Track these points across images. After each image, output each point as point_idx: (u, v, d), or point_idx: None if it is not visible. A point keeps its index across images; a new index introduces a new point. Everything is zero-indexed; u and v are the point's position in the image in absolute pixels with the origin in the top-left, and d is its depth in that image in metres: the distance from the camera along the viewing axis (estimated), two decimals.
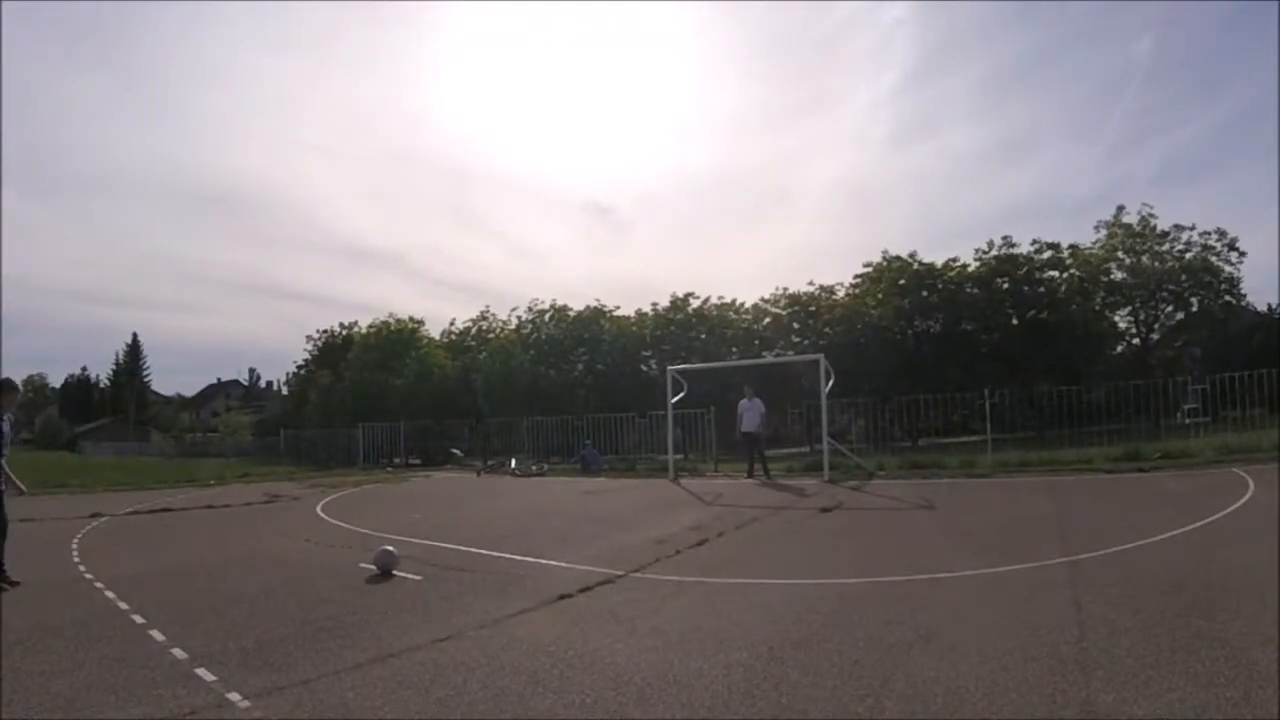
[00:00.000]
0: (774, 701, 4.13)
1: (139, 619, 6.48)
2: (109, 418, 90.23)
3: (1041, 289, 39.63)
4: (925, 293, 39.92)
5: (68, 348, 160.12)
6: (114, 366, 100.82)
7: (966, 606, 5.93)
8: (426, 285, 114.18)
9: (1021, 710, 3.85)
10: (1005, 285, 39.84)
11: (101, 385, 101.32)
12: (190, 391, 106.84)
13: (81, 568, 9.19)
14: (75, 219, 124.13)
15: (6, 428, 8.37)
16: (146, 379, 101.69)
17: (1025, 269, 39.78)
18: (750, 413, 18.65)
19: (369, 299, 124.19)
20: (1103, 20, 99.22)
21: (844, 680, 4.38)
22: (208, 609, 6.83)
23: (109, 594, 7.60)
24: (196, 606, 6.95)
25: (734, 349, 40.00)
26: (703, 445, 23.37)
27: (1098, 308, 40.56)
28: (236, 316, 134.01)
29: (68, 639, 5.91)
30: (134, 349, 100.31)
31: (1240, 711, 3.67)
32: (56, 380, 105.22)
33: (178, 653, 5.41)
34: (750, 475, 18.12)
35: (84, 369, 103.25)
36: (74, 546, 10.80)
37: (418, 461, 32.28)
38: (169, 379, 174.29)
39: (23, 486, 8.88)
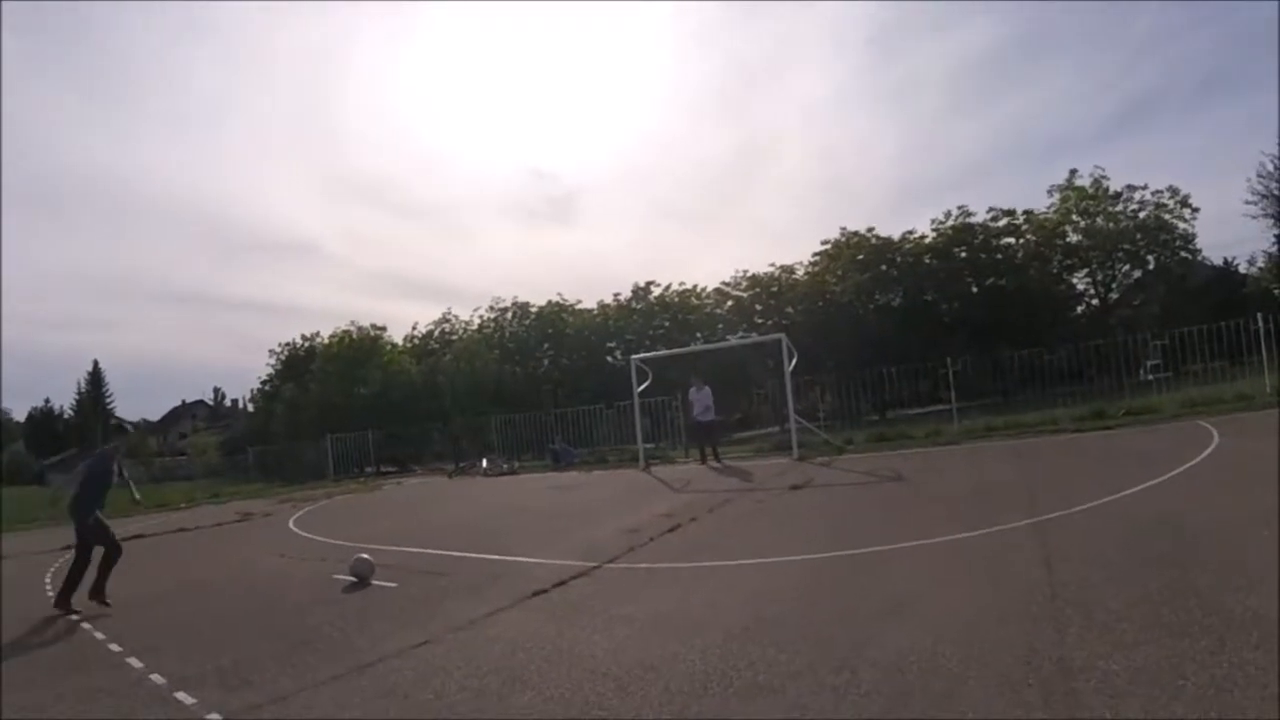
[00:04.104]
0: (750, 680, 4.19)
1: (116, 647, 6.43)
2: (75, 448, 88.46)
3: (999, 256, 40.13)
4: (885, 266, 40.29)
5: (27, 379, 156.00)
6: (76, 396, 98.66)
7: (938, 573, 6.03)
8: (386, 288, 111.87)
9: (997, 671, 3.91)
10: (963, 254, 40.29)
11: (65, 416, 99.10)
12: (155, 415, 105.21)
13: None
14: (23, 239, 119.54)
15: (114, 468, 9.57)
16: (110, 406, 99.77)
17: (982, 237, 40.25)
18: (700, 401, 18.67)
19: (329, 306, 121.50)
20: None
21: (819, 654, 4.45)
22: (184, 632, 6.79)
23: (85, 625, 7.53)
24: (173, 630, 6.91)
25: (698, 334, 40.09)
26: (672, 433, 23.42)
27: (1055, 271, 41.16)
28: (198, 335, 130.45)
29: (46, 672, 5.87)
30: (95, 376, 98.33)
31: (1216, 659, 3.73)
32: (20, 414, 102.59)
33: (156, 678, 5.38)
34: (703, 461, 18.12)
35: (46, 400, 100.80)
36: (47, 580, 10.64)
37: (391, 469, 32.08)
38: (133, 404, 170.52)
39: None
